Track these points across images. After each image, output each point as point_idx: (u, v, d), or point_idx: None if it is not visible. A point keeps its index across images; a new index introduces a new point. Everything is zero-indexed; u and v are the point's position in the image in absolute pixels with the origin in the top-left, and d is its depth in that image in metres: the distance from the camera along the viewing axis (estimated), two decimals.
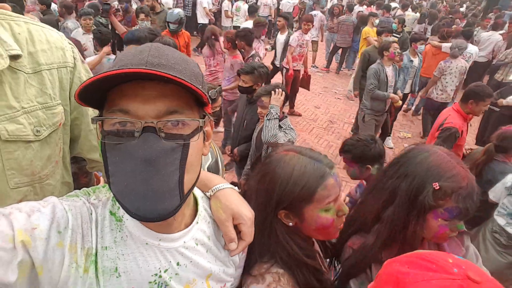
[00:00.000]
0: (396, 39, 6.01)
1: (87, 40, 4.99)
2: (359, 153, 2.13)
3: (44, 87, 0.96)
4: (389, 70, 4.51)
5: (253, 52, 4.75)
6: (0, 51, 0.84)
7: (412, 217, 1.05)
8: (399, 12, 10.81)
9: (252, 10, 7.86)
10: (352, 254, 1.16)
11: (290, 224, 1.01)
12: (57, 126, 1.00)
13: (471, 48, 6.48)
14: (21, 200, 0.88)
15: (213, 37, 4.98)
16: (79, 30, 5.15)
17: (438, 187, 1.01)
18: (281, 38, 6.32)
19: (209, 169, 1.76)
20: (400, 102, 4.73)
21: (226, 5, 9.68)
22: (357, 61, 7.80)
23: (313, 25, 6.51)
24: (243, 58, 4.73)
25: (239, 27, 7.22)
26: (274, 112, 2.61)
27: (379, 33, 5.67)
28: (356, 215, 1.05)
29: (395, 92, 4.70)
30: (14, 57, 0.87)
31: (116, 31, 5.64)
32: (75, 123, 1.12)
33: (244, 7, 9.21)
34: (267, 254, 1.01)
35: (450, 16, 10.41)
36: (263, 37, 6.08)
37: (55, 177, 1.06)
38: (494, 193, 2.69)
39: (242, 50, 4.79)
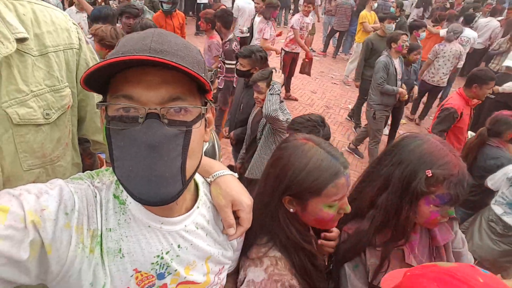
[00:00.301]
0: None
1: (81, 18, 4.88)
2: (306, 133, 2.09)
3: (51, 70, 0.94)
4: (397, 63, 4.29)
5: (231, 36, 4.38)
6: (7, 35, 0.82)
7: (405, 203, 1.08)
8: None
9: None
10: (347, 239, 1.20)
11: (291, 210, 1.04)
12: (65, 108, 0.99)
13: (469, 33, 6.35)
14: (34, 182, 0.88)
15: None
16: (72, 9, 5.02)
17: (430, 174, 1.04)
18: (258, 20, 5.96)
19: (206, 153, 1.76)
20: (407, 96, 4.49)
21: None
22: (354, 45, 7.72)
23: (314, 7, 6.36)
24: (221, 40, 4.44)
25: None
26: (276, 88, 2.62)
27: (381, 20, 5.40)
28: (351, 201, 1.08)
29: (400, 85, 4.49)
30: (20, 40, 0.85)
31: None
32: (81, 105, 1.11)
33: None
34: (266, 235, 1.04)
35: (450, 1, 10.25)
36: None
37: (66, 158, 1.06)
38: (493, 181, 2.65)
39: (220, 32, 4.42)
